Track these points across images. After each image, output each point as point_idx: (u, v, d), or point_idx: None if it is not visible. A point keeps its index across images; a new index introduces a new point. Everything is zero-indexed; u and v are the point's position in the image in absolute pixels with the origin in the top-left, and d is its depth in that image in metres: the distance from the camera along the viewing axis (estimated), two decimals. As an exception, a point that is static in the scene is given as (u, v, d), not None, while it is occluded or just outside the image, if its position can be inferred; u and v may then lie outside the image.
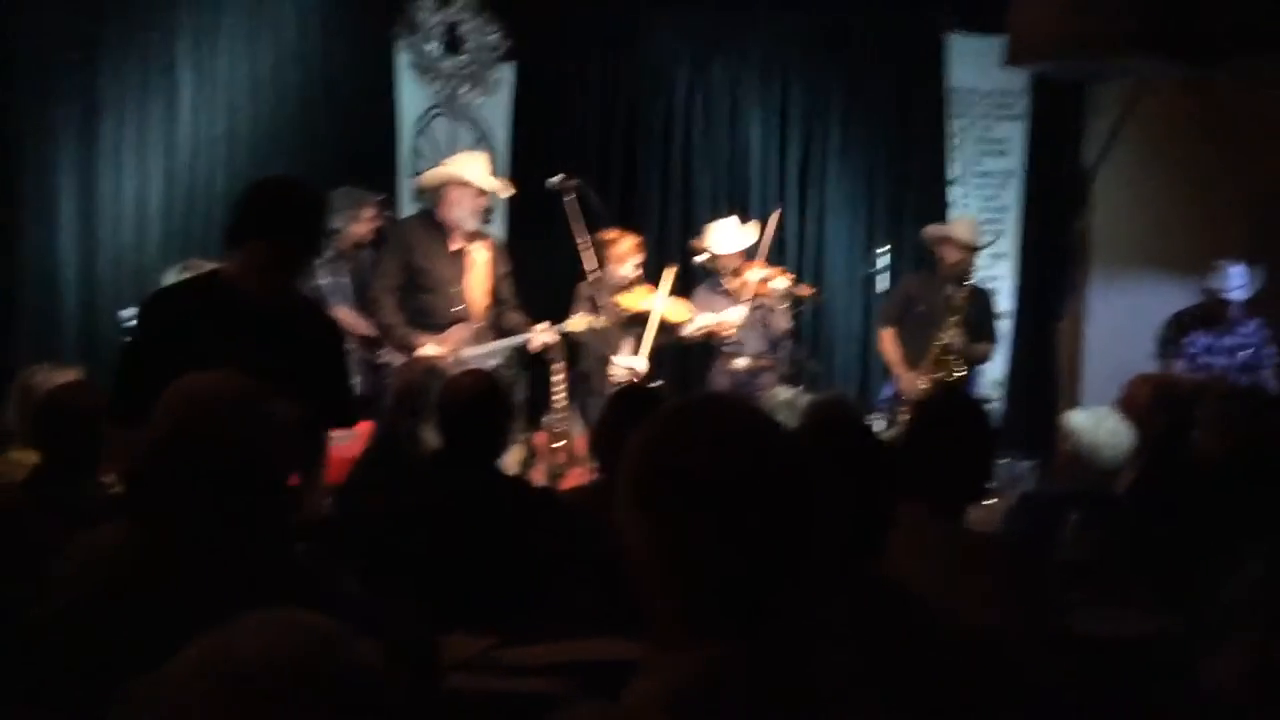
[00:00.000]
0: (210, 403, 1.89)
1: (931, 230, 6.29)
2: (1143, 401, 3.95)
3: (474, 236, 5.43)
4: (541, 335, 5.33)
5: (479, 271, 5.42)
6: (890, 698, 1.41)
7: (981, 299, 6.20)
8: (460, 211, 5.32)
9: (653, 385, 4.41)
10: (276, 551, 2.10)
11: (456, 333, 5.36)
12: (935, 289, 6.07)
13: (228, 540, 2.00)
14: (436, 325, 5.34)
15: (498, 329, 5.52)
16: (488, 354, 5.42)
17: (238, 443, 1.88)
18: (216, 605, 1.83)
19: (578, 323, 5.45)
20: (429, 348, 5.18)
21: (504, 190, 5.68)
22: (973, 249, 6.05)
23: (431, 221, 5.44)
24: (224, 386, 1.91)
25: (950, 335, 5.84)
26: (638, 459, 1.23)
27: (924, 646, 1.69)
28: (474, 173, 5.40)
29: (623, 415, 3.25)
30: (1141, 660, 2.52)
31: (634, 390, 3.73)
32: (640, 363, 5.64)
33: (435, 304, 5.35)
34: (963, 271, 5.95)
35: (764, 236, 6.18)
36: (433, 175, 5.57)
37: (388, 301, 5.32)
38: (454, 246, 5.38)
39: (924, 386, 5.86)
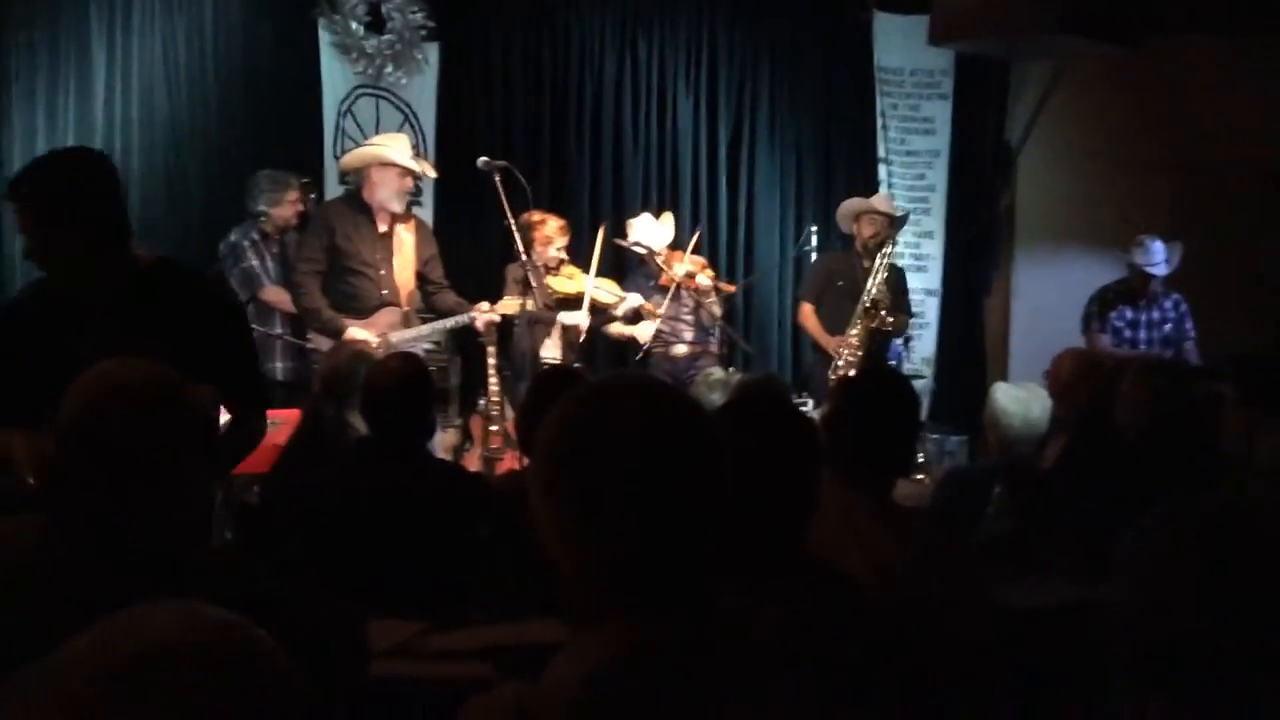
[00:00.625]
0: (115, 391, 1.84)
1: (850, 204, 6.37)
2: (1067, 376, 4.01)
3: (400, 218, 5.35)
4: (486, 315, 5.27)
5: (406, 254, 5.34)
6: (818, 675, 1.42)
7: (895, 274, 6.29)
8: (384, 192, 5.24)
9: (574, 367, 4.40)
10: (191, 543, 2.06)
11: (384, 317, 5.28)
12: (854, 263, 6.15)
13: (141, 533, 1.96)
14: (363, 309, 5.25)
15: (432, 311, 5.46)
16: (417, 337, 5.36)
17: (143, 431, 1.84)
18: (129, 598, 1.79)
19: (509, 305, 5.41)
20: (357, 331, 5.09)
21: (428, 171, 5.60)
22: (890, 219, 6.13)
23: (357, 203, 5.35)
24: (130, 373, 1.86)
25: (877, 291, 5.92)
26: (546, 441, 1.24)
27: (850, 624, 1.70)
28: (397, 153, 5.33)
29: (545, 398, 3.23)
30: (1062, 630, 2.57)
31: (556, 372, 3.71)
32: (582, 318, 5.64)
33: (362, 287, 5.26)
34: (880, 243, 6.02)
35: (694, 238, 6.30)
36: (355, 156, 5.49)
37: (311, 285, 5.21)
38: (381, 228, 5.29)
39: (855, 344, 5.93)
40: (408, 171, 5.31)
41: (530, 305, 5.46)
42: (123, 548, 1.91)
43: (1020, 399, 3.60)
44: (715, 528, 1.22)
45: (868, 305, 5.95)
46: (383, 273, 5.29)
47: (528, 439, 3.27)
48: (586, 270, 5.83)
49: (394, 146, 5.40)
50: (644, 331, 5.97)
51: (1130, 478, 3.21)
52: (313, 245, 5.26)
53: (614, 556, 1.19)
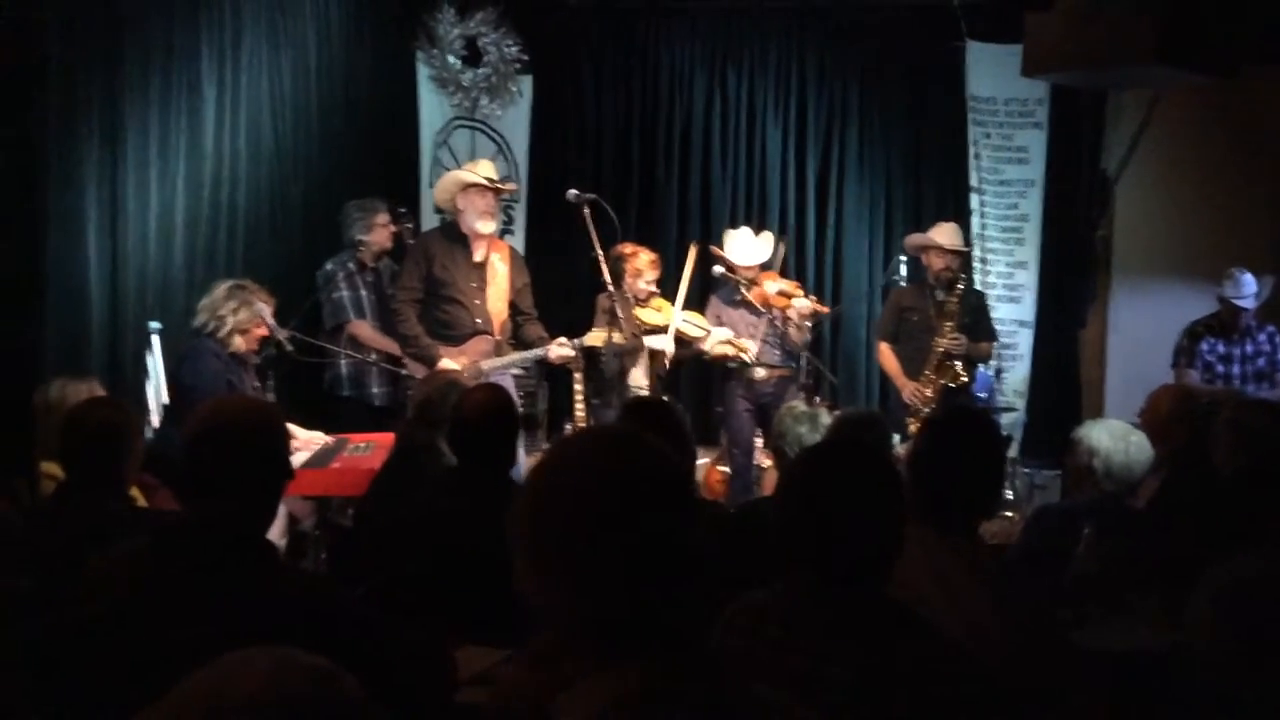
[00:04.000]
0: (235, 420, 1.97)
1: (914, 239, 6.30)
2: (1164, 414, 3.94)
3: (495, 246, 5.46)
4: (559, 349, 5.36)
5: (499, 283, 5.46)
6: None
7: (975, 299, 6.20)
8: (471, 215, 5.35)
9: (663, 398, 4.41)
10: (293, 569, 2.14)
11: (476, 344, 5.40)
12: (925, 297, 6.07)
13: (245, 555, 2.05)
14: (457, 337, 5.38)
15: (517, 341, 5.56)
16: (507, 365, 5.46)
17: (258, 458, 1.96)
18: (230, 623, 1.87)
19: (596, 337, 5.48)
20: (449, 361, 5.23)
21: (508, 187, 5.64)
22: (956, 253, 6.05)
23: (454, 232, 5.48)
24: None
25: (948, 341, 5.84)
26: (521, 499, 1.27)
27: (924, 670, 1.70)
28: (474, 173, 5.43)
29: (633, 425, 3.26)
30: (1152, 675, 2.52)
31: (645, 402, 3.74)
32: (667, 343, 5.68)
33: (457, 316, 5.39)
34: (951, 277, 5.94)
35: (777, 253, 6.25)
36: (440, 187, 5.61)
37: (409, 312, 5.37)
38: (477, 257, 5.41)
39: (929, 394, 5.87)
40: (490, 189, 5.38)
41: (617, 337, 5.51)
42: (224, 573, 2.00)
43: (1117, 436, 3.53)
44: (692, 577, 1.24)
45: (940, 358, 5.86)
46: (477, 302, 5.41)
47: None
48: (674, 298, 5.87)
49: (475, 167, 5.53)
50: (749, 345, 5.94)
51: (1225, 519, 3.14)
52: (411, 274, 5.41)
53: (592, 607, 1.21)
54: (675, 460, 1.33)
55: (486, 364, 5.35)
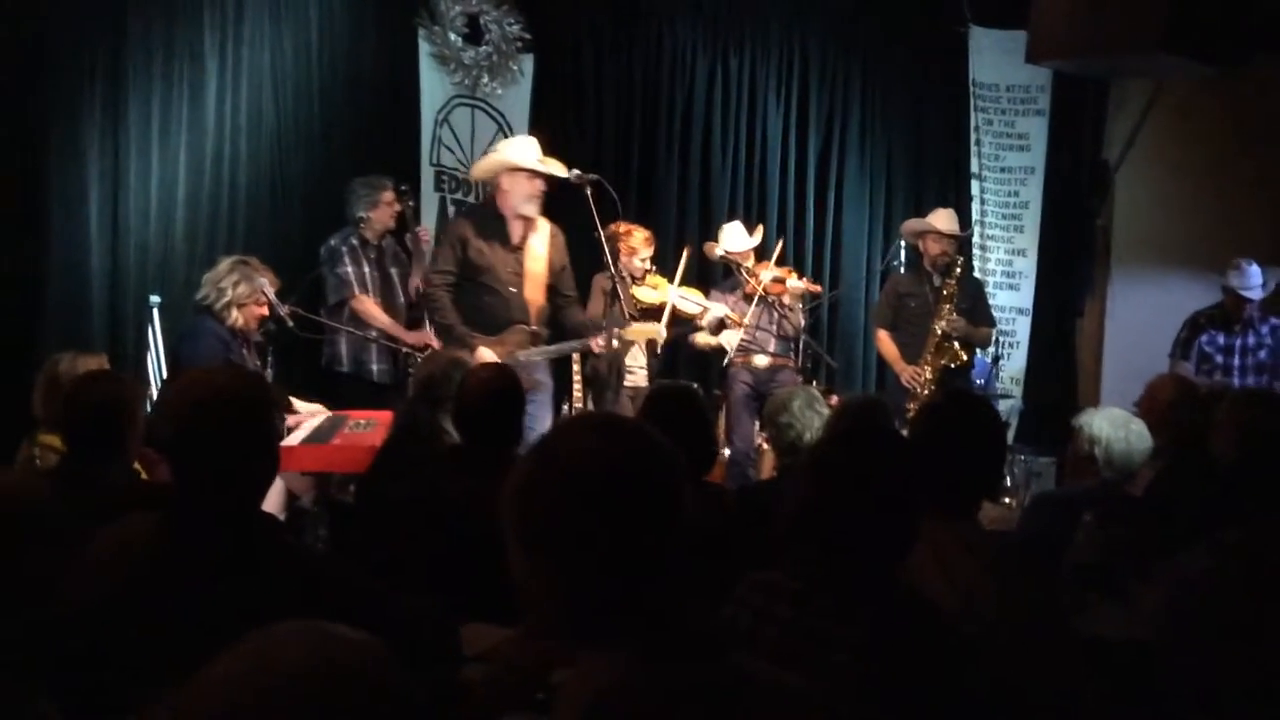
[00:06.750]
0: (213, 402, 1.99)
1: (911, 224, 6.32)
2: (1164, 403, 3.95)
3: (532, 226, 5.26)
4: (602, 340, 5.19)
5: (537, 269, 5.26)
6: (900, 703, 1.44)
7: (973, 285, 6.22)
8: (516, 198, 5.17)
9: (688, 383, 4.41)
10: (297, 544, 2.14)
11: (514, 335, 5.22)
12: (923, 283, 6.09)
13: (250, 530, 2.05)
14: (493, 326, 5.19)
15: (560, 326, 5.39)
16: (543, 356, 5.28)
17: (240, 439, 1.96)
18: (240, 596, 1.88)
19: (638, 332, 5.42)
20: (486, 351, 5.04)
21: (558, 170, 5.37)
22: (953, 238, 6.07)
23: (491, 213, 5.29)
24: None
25: (946, 322, 5.85)
26: (511, 483, 1.29)
27: (933, 652, 1.71)
28: (524, 155, 5.24)
29: (657, 413, 3.26)
30: (1150, 661, 2.54)
31: (669, 390, 3.73)
32: (658, 330, 5.57)
33: (492, 305, 5.19)
34: (948, 261, 5.96)
35: (778, 247, 6.29)
36: (484, 165, 5.46)
37: (444, 298, 5.15)
38: (514, 239, 5.23)
39: (928, 377, 5.89)
40: (536, 174, 5.22)
41: (659, 333, 5.45)
42: (234, 546, 2.01)
43: (1118, 424, 3.54)
44: (678, 558, 1.26)
45: (939, 339, 5.88)
46: (513, 290, 5.21)
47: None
48: (672, 280, 5.88)
49: (522, 150, 5.30)
50: (730, 340, 5.99)
51: (1223, 508, 3.15)
52: (446, 257, 5.21)
53: (582, 591, 1.23)
54: (668, 447, 1.34)
55: (523, 354, 5.17)
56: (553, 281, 5.33)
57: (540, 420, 5.10)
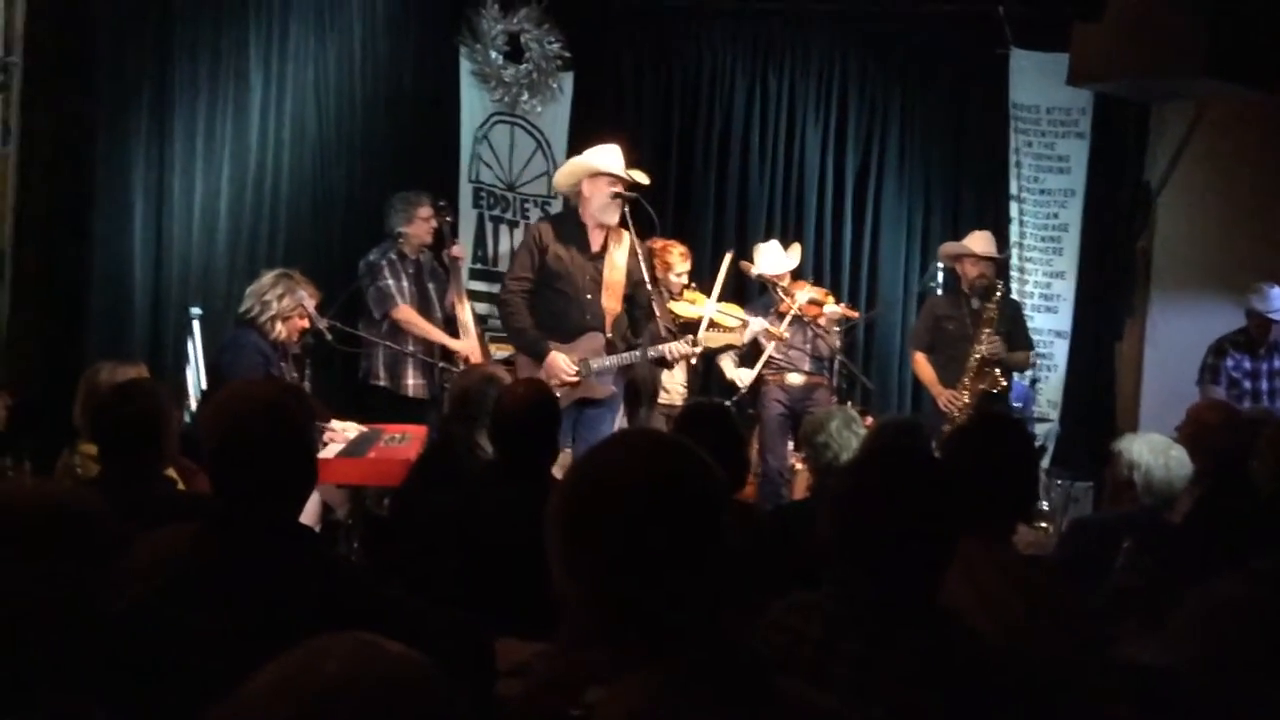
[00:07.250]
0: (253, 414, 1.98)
1: (948, 248, 6.27)
2: (1204, 429, 3.90)
3: (614, 235, 5.25)
4: (680, 348, 5.19)
5: (616, 278, 5.26)
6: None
7: (1012, 309, 6.16)
8: (596, 204, 5.16)
9: (721, 401, 4.40)
10: (334, 556, 2.15)
11: (587, 342, 5.22)
12: (960, 306, 6.04)
13: (289, 541, 2.07)
14: (568, 333, 5.19)
15: (632, 337, 5.37)
16: (617, 364, 5.25)
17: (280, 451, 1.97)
18: (279, 607, 1.89)
19: (716, 339, 5.43)
20: (560, 356, 5.08)
21: (640, 177, 5.36)
22: (991, 261, 6.02)
23: (572, 220, 5.30)
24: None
25: (986, 347, 5.80)
26: (556, 496, 1.30)
27: (970, 676, 1.70)
28: (607, 161, 5.22)
29: (690, 431, 3.26)
30: (1190, 690, 2.50)
31: (702, 408, 3.73)
32: (686, 348, 5.47)
33: (568, 311, 5.19)
34: (988, 284, 5.91)
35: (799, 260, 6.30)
36: (565, 172, 5.45)
37: (519, 304, 5.18)
38: (594, 247, 5.23)
39: (966, 401, 5.84)
40: (618, 179, 5.20)
41: (735, 339, 5.51)
42: (273, 557, 2.02)
43: (1158, 450, 3.50)
44: (719, 576, 1.26)
45: (978, 364, 5.82)
46: (589, 297, 5.21)
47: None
48: (711, 291, 5.88)
49: (604, 155, 5.27)
50: (743, 377, 5.98)
51: (1265, 536, 3.11)
52: (524, 263, 5.22)
53: (623, 608, 1.23)
54: (712, 465, 1.34)
55: (595, 363, 5.18)
56: (630, 292, 5.32)
57: (606, 430, 5.12)
